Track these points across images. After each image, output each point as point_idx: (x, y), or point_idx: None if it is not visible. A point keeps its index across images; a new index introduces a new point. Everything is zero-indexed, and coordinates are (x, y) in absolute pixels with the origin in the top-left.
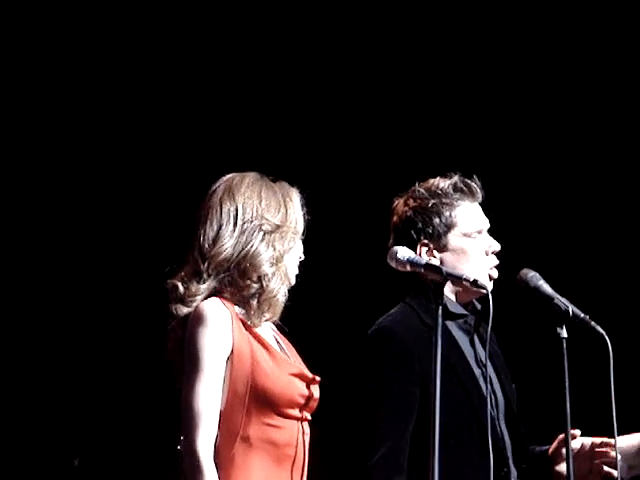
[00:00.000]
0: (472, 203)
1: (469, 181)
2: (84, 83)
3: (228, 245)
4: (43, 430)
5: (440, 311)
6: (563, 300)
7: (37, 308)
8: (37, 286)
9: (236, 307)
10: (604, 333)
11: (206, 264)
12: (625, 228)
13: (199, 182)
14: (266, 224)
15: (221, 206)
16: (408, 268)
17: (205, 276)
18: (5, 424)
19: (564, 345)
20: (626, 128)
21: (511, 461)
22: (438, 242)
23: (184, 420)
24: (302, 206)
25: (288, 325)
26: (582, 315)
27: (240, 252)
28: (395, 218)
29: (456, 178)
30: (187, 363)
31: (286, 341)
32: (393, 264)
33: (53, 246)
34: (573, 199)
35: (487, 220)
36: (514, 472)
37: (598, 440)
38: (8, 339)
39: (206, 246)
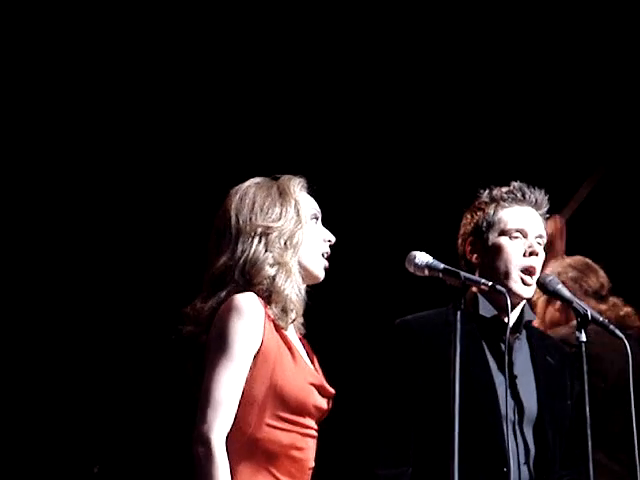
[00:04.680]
0: (522, 207)
1: (527, 189)
2: (85, 84)
3: (226, 257)
4: (63, 437)
5: (459, 315)
6: (582, 304)
7: (54, 314)
8: (64, 290)
9: (272, 306)
10: (623, 337)
11: (210, 280)
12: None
13: (199, 182)
14: (259, 228)
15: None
16: (426, 272)
17: (207, 293)
18: (25, 432)
19: (583, 349)
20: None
21: (520, 464)
22: (481, 239)
23: (202, 407)
24: (307, 190)
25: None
26: (601, 318)
27: (239, 261)
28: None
29: (514, 185)
30: (215, 351)
31: (309, 350)
32: (412, 269)
33: (53, 246)
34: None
35: (537, 226)
36: (524, 475)
37: None
38: (28, 345)
39: (212, 261)
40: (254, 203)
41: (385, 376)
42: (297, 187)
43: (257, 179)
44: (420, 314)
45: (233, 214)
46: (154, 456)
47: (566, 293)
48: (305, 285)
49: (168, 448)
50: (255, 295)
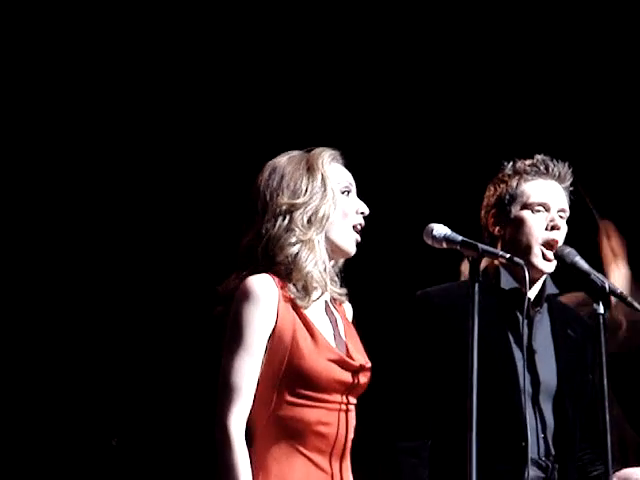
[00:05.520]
0: (545, 181)
1: (550, 162)
2: (85, 84)
3: (251, 235)
4: (81, 411)
5: (476, 287)
6: (599, 276)
7: (76, 295)
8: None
9: (290, 286)
10: None
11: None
12: None
13: (197, 182)
14: (284, 206)
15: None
16: (444, 245)
17: (236, 272)
18: (44, 406)
19: (601, 321)
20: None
21: (534, 437)
22: (504, 212)
23: (219, 393)
24: (340, 162)
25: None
26: (619, 290)
27: (263, 239)
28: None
29: (538, 158)
30: (229, 336)
31: (347, 324)
32: (429, 241)
33: (53, 246)
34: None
35: (560, 200)
36: (542, 449)
37: None
38: (46, 326)
39: (242, 239)
40: (282, 179)
41: (405, 349)
42: (327, 160)
43: (290, 153)
44: (441, 286)
45: (261, 191)
46: (172, 430)
47: (584, 265)
48: (335, 261)
49: (187, 422)
50: (268, 276)
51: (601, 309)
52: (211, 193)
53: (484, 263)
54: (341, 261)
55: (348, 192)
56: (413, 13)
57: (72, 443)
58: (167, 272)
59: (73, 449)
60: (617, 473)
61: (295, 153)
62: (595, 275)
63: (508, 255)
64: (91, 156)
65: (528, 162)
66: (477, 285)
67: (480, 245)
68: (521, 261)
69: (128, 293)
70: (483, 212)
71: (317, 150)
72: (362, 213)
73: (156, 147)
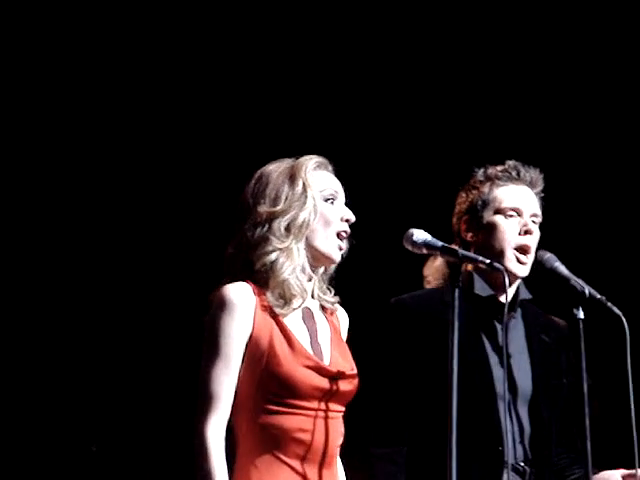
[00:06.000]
0: (517, 186)
1: (522, 168)
2: (85, 84)
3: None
4: (61, 417)
5: (457, 293)
6: (579, 281)
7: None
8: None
9: (268, 294)
10: (621, 314)
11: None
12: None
13: (196, 187)
14: (264, 214)
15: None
16: (424, 251)
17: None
18: (24, 411)
19: (581, 326)
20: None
21: (516, 442)
22: (476, 218)
23: (197, 401)
24: (328, 170)
25: None
26: (599, 296)
27: (243, 247)
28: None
29: (509, 164)
30: (206, 344)
31: (335, 332)
32: (409, 247)
33: (53, 246)
34: (588, 182)
35: (532, 205)
36: (519, 453)
37: (627, 472)
38: (26, 328)
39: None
40: (265, 187)
41: (381, 355)
42: (311, 167)
43: (279, 161)
44: (415, 293)
45: (245, 199)
46: (152, 436)
47: (564, 271)
48: (324, 268)
49: (165, 427)
50: (245, 284)
51: (581, 314)
52: (210, 199)
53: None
54: (331, 269)
55: (333, 200)
56: (382, 23)
57: (52, 448)
58: (156, 278)
59: (53, 454)
60: (595, 476)
61: (284, 161)
62: (575, 280)
63: (488, 260)
64: (89, 160)
65: (499, 168)
66: (457, 291)
67: (460, 250)
68: (501, 266)
69: (113, 298)
70: (455, 219)
71: (303, 158)
72: (347, 221)
73: (155, 153)
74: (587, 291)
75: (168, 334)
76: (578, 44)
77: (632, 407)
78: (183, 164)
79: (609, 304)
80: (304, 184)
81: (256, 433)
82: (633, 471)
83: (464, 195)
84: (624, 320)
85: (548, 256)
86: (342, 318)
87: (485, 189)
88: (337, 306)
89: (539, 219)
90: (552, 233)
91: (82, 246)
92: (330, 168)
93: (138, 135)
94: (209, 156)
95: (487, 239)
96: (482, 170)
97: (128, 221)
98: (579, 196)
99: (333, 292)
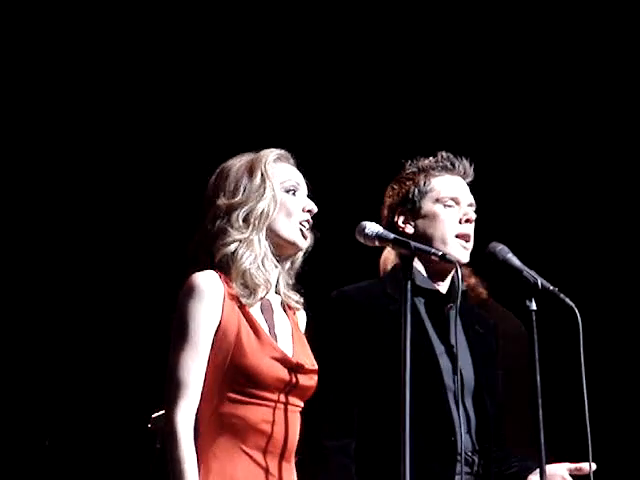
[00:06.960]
0: (452, 176)
1: (455, 159)
2: (85, 84)
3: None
4: (14, 412)
5: (409, 285)
6: (532, 272)
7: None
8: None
9: (234, 284)
10: (574, 305)
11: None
12: (594, 204)
13: (196, 179)
14: (224, 206)
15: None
16: (377, 243)
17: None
18: None
19: (533, 318)
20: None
21: (463, 433)
22: (413, 209)
23: (166, 390)
24: (289, 162)
25: None
26: (551, 287)
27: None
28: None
29: (442, 155)
30: (174, 333)
31: (296, 330)
32: (361, 239)
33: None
34: (545, 174)
35: (468, 194)
36: (467, 444)
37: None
38: None
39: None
40: (225, 180)
41: (327, 348)
42: (271, 159)
43: (241, 155)
44: (357, 285)
45: (206, 194)
46: (105, 430)
47: (516, 262)
48: (289, 259)
49: (119, 421)
50: (214, 272)
51: (533, 306)
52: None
53: (394, 260)
54: (297, 262)
55: (294, 191)
56: (332, 21)
57: (4, 443)
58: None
59: (6, 449)
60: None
61: (244, 155)
62: (527, 272)
63: (441, 252)
64: (89, 160)
65: (432, 159)
66: (409, 283)
67: (412, 243)
68: (454, 258)
69: (66, 295)
70: (386, 212)
71: (263, 151)
72: (309, 211)
73: (152, 151)
74: (540, 282)
75: (130, 327)
76: (508, 28)
77: (585, 399)
78: (182, 164)
79: (562, 295)
80: (263, 175)
81: (219, 422)
82: (578, 465)
83: (396, 187)
84: (577, 311)
85: (500, 248)
86: (301, 318)
87: (421, 180)
88: (300, 306)
89: (474, 208)
90: (505, 225)
91: (79, 245)
92: (292, 161)
93: (136, 137)
94: (208, 156)
95: (427, 228)
96: (414, 162)
97: (126, 221)
98: (532, 188)
99: (299, 296)
